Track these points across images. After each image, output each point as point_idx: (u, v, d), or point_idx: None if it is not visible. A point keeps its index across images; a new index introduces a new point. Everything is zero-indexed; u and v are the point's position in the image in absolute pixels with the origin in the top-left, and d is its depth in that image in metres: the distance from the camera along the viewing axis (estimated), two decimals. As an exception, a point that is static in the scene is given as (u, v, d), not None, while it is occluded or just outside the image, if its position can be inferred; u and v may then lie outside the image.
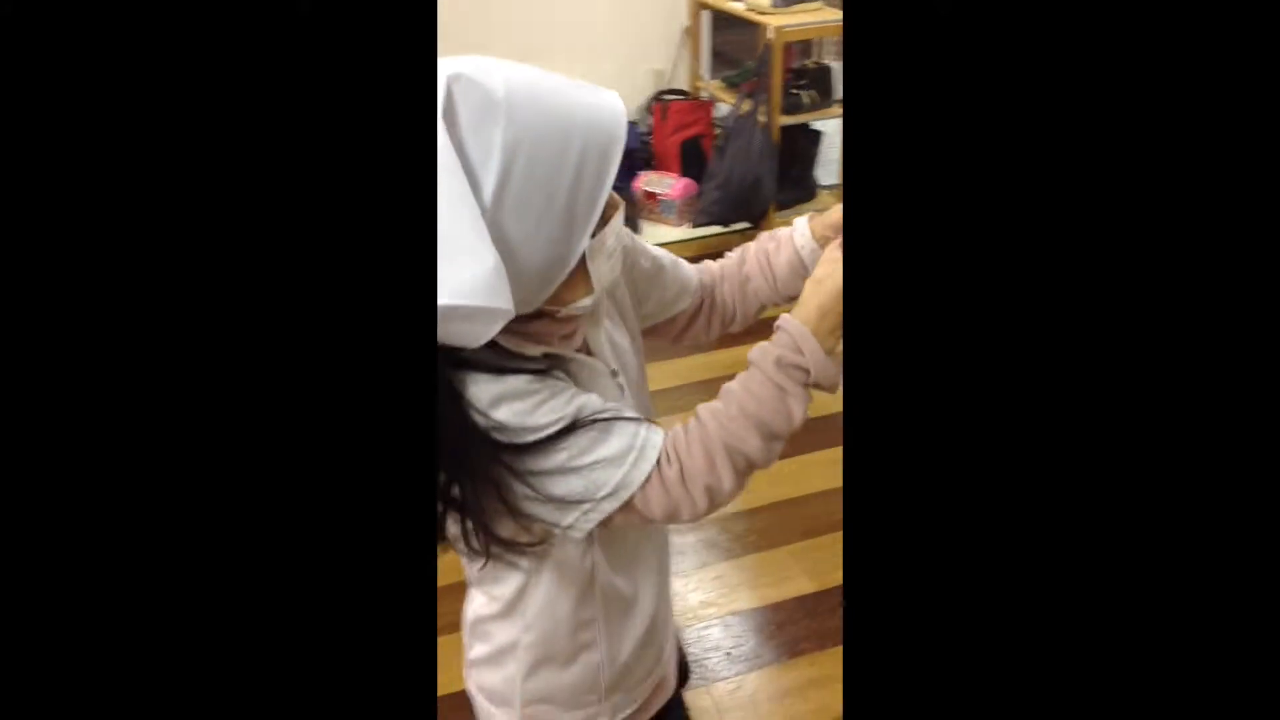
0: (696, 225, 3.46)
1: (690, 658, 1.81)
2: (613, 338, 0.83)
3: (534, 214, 0.64)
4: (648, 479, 0.71)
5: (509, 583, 0.84)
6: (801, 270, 0.89)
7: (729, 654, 1.82)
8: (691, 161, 3.66)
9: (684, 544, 2.11)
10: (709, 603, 1.95)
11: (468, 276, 0.59)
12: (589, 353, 0.80)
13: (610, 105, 0.68)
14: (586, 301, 0.72)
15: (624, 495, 0.71)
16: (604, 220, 0.69)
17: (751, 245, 0.95)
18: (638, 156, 3.71)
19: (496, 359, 0.69)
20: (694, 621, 1.90)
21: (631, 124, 3.72)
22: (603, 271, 0.71)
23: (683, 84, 4.06)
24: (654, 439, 0.73)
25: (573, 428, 0.70)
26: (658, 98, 3.87)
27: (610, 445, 0.71)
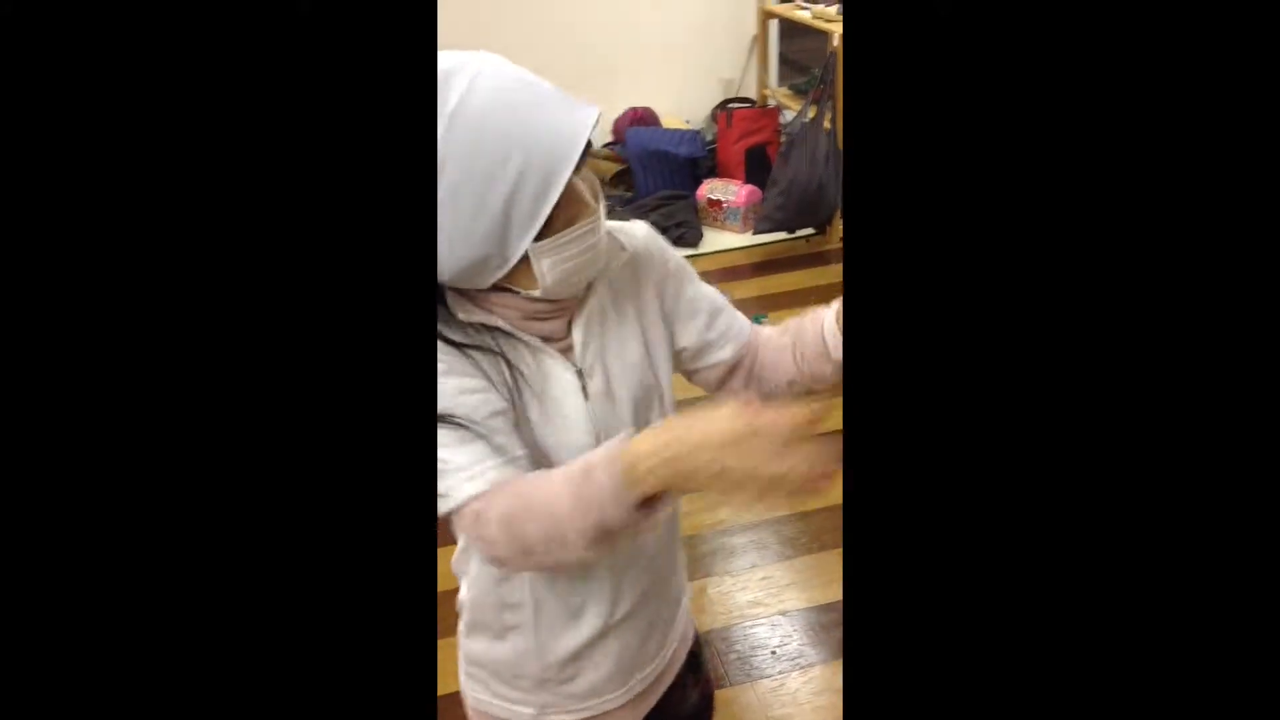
0: (760, 231, 3.47)
1: (735, 655, 1.83)
2: (614, 343, 0.84)
3: (465, 214, 0.68)
4: (465, 502, 0.73)
5: (461, 540, 0.88)
6: (823, 352, 0.88)
7: (774, 652, 1.84)
8: (756, 169, 3.68)
9: (735, 545, 2.13)
10: (757, 602, 1.97)
11: None
12: (568, 346, 0.81)
13: (568, 129, 0.69)
14: (535, 292, 0.75)
15: (449, 504, 0.73)
16: (569, 222, 0.72)
17: (797, 319, 0.94)
18: (702, 164, 3.75)
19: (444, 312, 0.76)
20: (741, 620, 1.92)
21: (695, 132, 3.75)
22: (547, 271, 0.73)
23: (751, 92, 4.09)
24: (494, 474, 0.73)
25: (441, 418, 0.72)
26: (723, 105, 3.90)
27: (458, 455, 0.73)
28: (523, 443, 0.77)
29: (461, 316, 0.76)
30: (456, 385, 0.74)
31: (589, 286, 0.82)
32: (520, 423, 0.79)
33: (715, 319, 0.93)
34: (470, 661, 0.95)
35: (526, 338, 0.79)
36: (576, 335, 0.81)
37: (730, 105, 3.89)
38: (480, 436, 0.74)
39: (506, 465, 0.74)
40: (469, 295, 0.77)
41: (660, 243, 0.91)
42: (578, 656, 0.91)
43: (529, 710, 0.94)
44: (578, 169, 0.71)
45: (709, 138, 3.91)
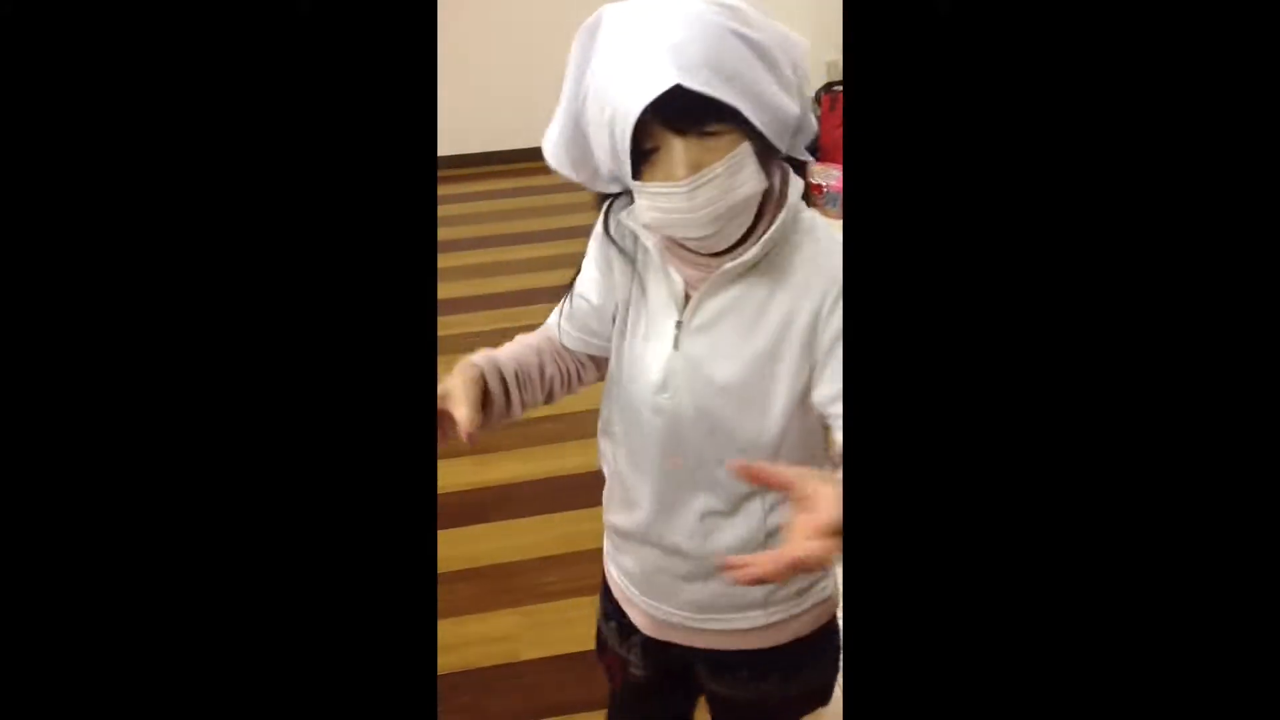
0: (859, 217, 3.40)
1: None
2: (736, 325, 0.85)
3: (594, 128, 0.81)
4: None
5: None
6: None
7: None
8: (858, 153, 3.60)
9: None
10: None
11: (550, 130, 0.85)
12: (688, 297, 0.87)
13: (637, 92, 0.74)
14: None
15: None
16: (664, 178, 0.77)
17: None
18: (803, 148, 3.68)
19: (621, 204, 0.90)
20: (820, 610, 1.90)
21: (797, 115, 3.69)
22: (644, 210, 0.81)
23: (856, 74, 3.99)
24: (546, 324, 0.99)
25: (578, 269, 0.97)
26: (827, 88, 3.82)
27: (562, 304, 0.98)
28: (582, 332, 0.97)
29: (621, 217, 0.88)
30: (591, 266, 0.95)
31: (731, 255, 0.83)
32: (628, 329, 0.91)
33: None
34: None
35: (670, 267, 0.86)
36: (696, 295, 0.85)
37: (834, 88, 3.82)
38: (569, 300, 0.97)
39: (557, 328, 0.98)
40: None
41: None
42: (620, 533, 1.02)
43: (611, 544, 1.07)
44: (684, 133, 0.76)
45: (811, 121, 3.84)
